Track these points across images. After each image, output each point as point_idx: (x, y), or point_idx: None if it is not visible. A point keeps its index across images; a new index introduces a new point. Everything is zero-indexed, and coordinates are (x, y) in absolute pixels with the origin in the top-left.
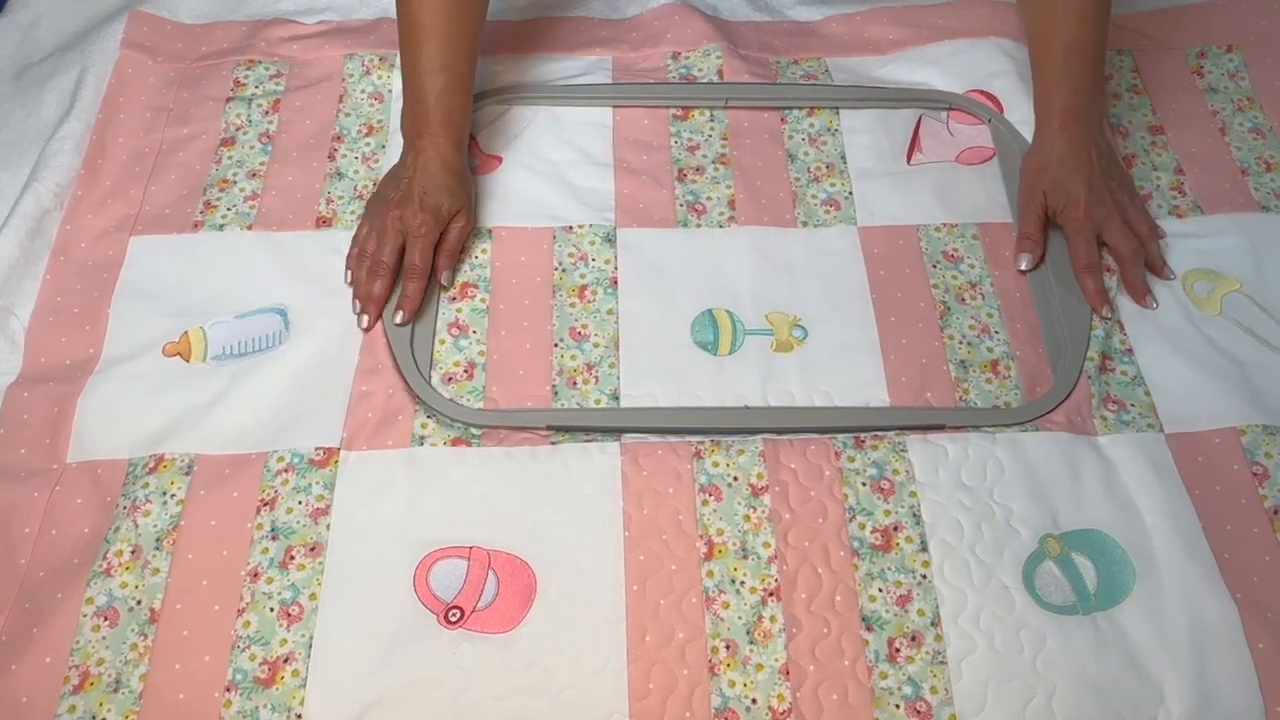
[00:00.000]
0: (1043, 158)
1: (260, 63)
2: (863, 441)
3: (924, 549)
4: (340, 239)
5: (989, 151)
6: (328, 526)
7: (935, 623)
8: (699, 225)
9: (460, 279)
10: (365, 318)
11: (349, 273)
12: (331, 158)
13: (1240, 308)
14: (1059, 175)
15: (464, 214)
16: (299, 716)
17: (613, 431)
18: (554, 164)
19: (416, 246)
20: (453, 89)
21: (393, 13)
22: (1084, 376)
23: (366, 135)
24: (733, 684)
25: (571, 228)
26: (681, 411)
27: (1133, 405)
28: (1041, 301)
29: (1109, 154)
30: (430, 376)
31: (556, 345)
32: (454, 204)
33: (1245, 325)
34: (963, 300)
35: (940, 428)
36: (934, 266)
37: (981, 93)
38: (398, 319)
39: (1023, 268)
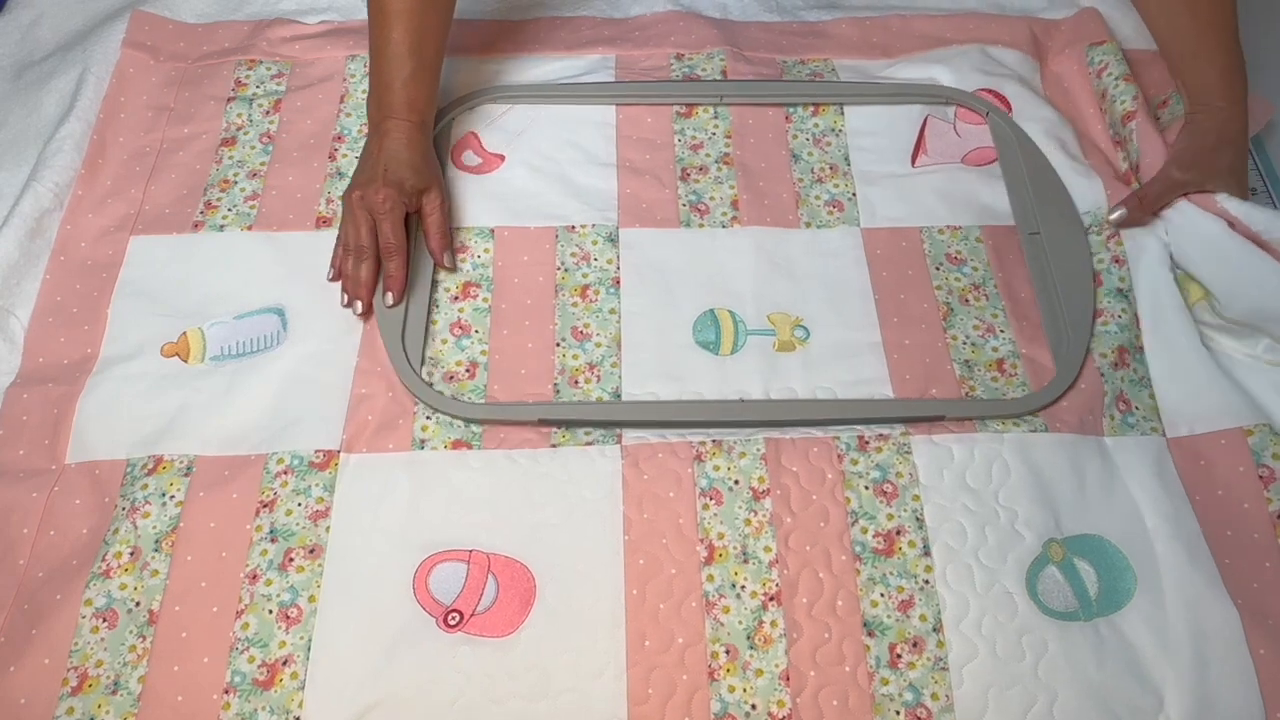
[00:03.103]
0: (1219, 160)
1: (261, 62)
2: (866, 443)
3: (926, 553)
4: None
5: (994, 153)
6: (327, 529)
7: (937, 628)
8: (702, 225)
9: (462, 278)
10: (358, 303)
11: (331, 270)
12: (332, 158)
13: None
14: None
15: (435, 191)
16: (297, 719)
17: (612, 425)
18: (557, 163)
19: (385, 222)
20: (418, 76)
21: None
22: (1096, 372)
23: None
24: (732, 689)
25: (574, 227)
26: (682, 405)
27: (1138, 407)
28: (1042, 290)
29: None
30: (422, 370)
31: (558, 344)
32: (419, 180)
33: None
34: (966, 302)
35: (940, 418)
36: (937, 268)
37: (990, 92)
38: (388, 301)
39: (1113, 219)
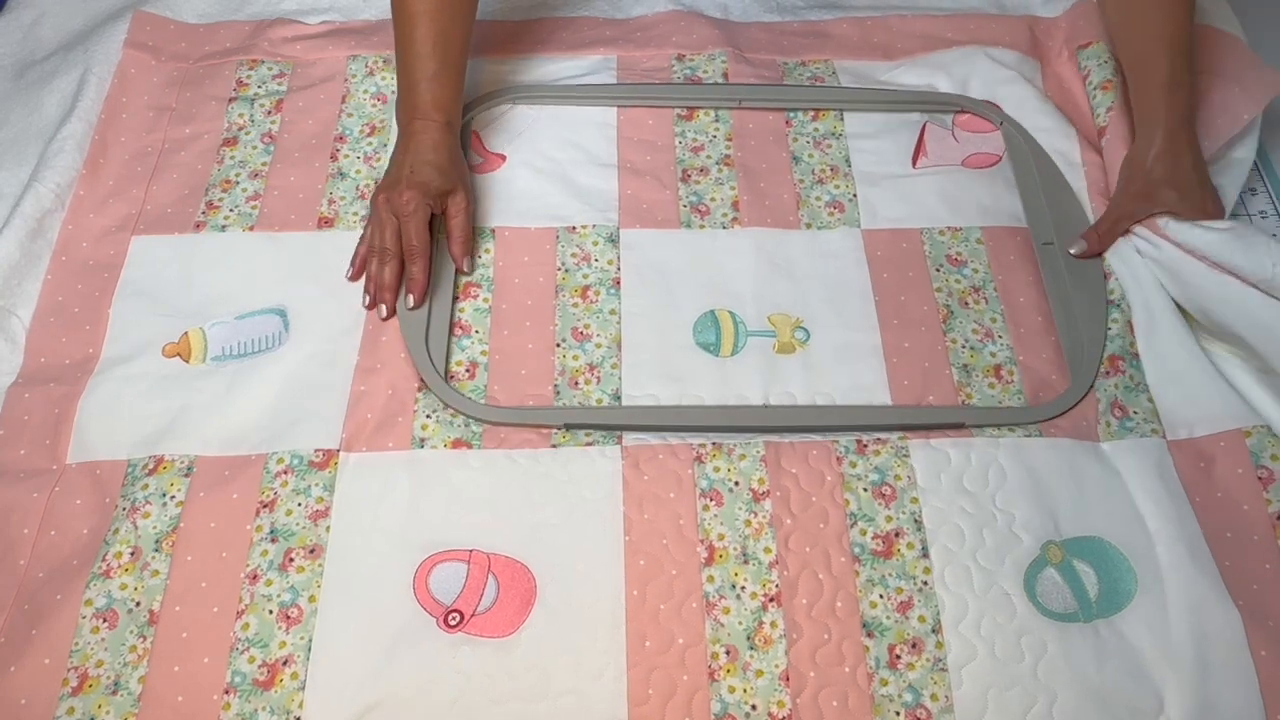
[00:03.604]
0: (1170, 180)
1: (263, 62)
2: (865, 446)
3: (925, 555)
4: (341, 239)
5: (995, 157)
6: (327, 529)
7: (936, 629)
8: (702, 226)
9: (463, 278)
10: (383, 307)
11: (351, 269)
12: (334, 158)
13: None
14: (1167, 201)
15: (460, 194)
16: (297, 719)
17: (623, 430)
18: (558, 163)
19: (410, 225)
20: (443, 74)
21: None
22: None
23: (369, 135)
24: (732, 690)
25: (575, 228)
26: (693, 410)
27: (1136, 411)
28: (1057, 298)
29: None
30: (445, 371)
31: (559, 345)
32: (444, 181)
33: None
34: (966, 304)
35: (960, 426)
36: (937, 270)
37: (986, 103)
38: (410, 303)
39: (1073, 251)
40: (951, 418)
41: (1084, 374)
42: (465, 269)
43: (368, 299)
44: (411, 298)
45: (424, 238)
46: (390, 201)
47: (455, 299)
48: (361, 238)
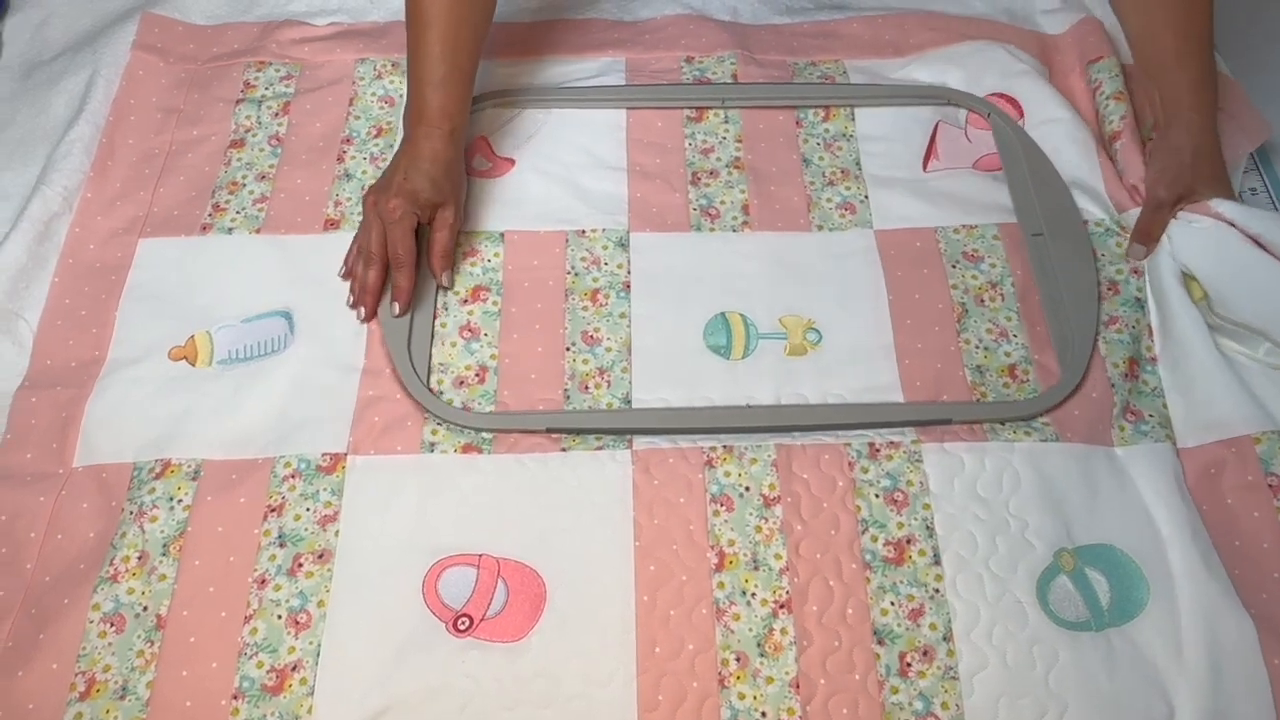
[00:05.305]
0: (1190, 159)
1: (271, 64)
2: (877, 451)
3: (937, 562)
4: (348, 242)
5: None
6: (336, 533)
7: (947, 637)
8: (713, 229)
9: (472, 282)
10: (362, 309)
11: (344, 267)
12: (340, 160)
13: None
14: (1193, 182)
15: (450, 209)
16: None
17: (620, 433)
18: (567, 166)
19: (395, 231)
20: (451, 81)
21: (403, 16)
22: (1106, 381)
23: (376, 137)
24: (742, 696)
25: (584, 231)
26: (688, 412)
27: (1151, 415)
28: (1046, 292)
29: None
30: (429, 379)
31: (568, 349)
32: (435, 193)
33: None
34: (981, 302)
35: (947, 421)
36: (953, 267)
37: (1002, 96)
38: (394, 311)
39: (1137, 260)
40: (940, 414)
41: (1074, 366)
42: (444, 283)
43: (351, 298)
44: (396, 305)
45: (409, 246)
46: (377, 204)
47: (437, 304)
48: (355, 236)
